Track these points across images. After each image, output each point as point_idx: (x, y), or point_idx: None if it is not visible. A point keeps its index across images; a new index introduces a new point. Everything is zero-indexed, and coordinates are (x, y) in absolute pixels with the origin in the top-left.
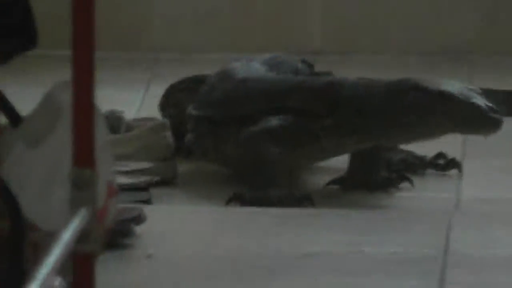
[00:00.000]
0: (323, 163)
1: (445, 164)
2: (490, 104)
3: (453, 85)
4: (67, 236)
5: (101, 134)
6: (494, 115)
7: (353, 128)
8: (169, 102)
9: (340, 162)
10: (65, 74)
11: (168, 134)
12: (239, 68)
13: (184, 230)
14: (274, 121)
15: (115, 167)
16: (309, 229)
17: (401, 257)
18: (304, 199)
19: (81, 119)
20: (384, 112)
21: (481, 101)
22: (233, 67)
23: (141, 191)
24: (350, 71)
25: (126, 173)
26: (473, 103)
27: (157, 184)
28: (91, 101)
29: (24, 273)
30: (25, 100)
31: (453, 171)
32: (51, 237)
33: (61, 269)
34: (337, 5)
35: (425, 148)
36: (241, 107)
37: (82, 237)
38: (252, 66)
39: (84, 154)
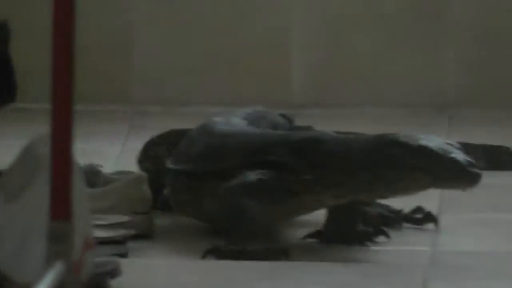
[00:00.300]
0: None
1: (421, 218)
2: (469, 159)
3: (432, 140)
4: None
5: (79, 188)
6: (473, 169)
7: (333, 183)
8: (147, 156)
9: (317, 215)
10: (44, 127)
11: (146, 187)
12: (219, 122)
13: (160, 284)
14: (253, 176)
15: (92, 220)
16: (286, 282)
17: None
18: (281, 253)
19: (59, 172)
20: (364, 167)
21: (460, 156)
22: (213, 121)
23: (118, 244)
24: (330, 125)
25: (103, 226)
26: (452, 158)
27: (134, 237)
28: (69, 154)
29: None
30: (4, 153)
31: (430, 225)
32: None
33: None
34: (317, 59)
35: (402, 202)
36: (220, 162)
37: None
38: (232, 120)
39: (61, 207)
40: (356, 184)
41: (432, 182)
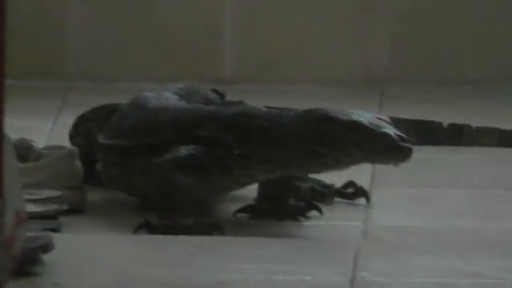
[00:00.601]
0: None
1: (353, 193)
2: (400, 133)
3: (363, 115)
4: None
5: (10, 163)
6: (405, 144)
7: (264, 158)
8: (78, 131)
9: (249, 190)
10: None
11: (77, 162)
12: (151, 97)
13: (92, 259)
14: (184, 151)
15: (24, 195)
16: (218, 257)
17: (309, 285)
18: (213, 228)
19: None
20: (295, 142)
21: (391, 131)
22: (144, 96)
23: (50, 219)
24: (262, 101)
25: (35, 201)
26: (383, 133)
27: (66, 212)
28: None
29: None
30: None
31: (361, 200)
32: None
33: None
34: (249, 34)
35: (335, 177)
36: (151, 136)
37: None
38: (164, 96)
39: None
40: (287, 159)
41: (363, 156)
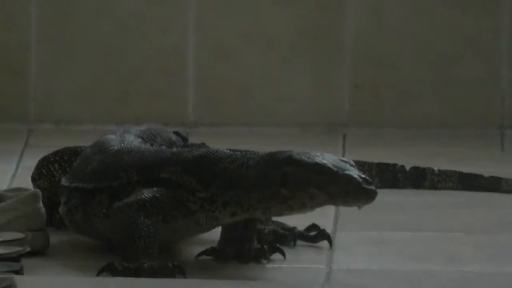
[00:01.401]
0: None
1: (315, 236)
2: (364, 176)
3: (327, 158)
4: None
5: None
6: (369, 186)
7: (228, 201)
8: (41, 173)
9: (212, 232)
10: None
11: (40, 204)
12: (113, 140)
13: None
14: (146, 193)
15: None
16: None
17: None
18: (176, 270)
19: None
20: (259, 185)
21: (355, 173)
22: (107, 138)
23: (12, 261)
24: (224, 143)
25: None
26: (347, 175)
27: (29, 254)
28: None
29: None
30: None
31: (324, 243)
32: None
33: None
34: (212, 77)
35: (298, 220)
36: (114, 179)
37: None
38: (126, 138)
39: None
40: (251, 202)
41: (327, 199)
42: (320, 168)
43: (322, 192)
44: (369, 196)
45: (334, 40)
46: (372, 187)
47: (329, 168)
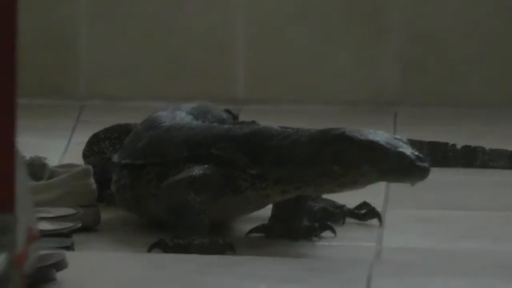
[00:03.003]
0: None
1: (364, 214)
2: (417, 153)
3: (380, 135)
4: None
5: (22, 180)
6: (421, 163)
7: (280, 178)
8: (92, 150)
9: (263, 210)
10: None
11: (92, 181)
12: (164, 117)
13: (106, 277)
14: (198, 170)
15: (38, 213)
16: (232, 277)
17: None
18: (226, 247)
19: (2, 164)
20: (310, 162)
21: (407, 150)
22: (158, 115)
23: (63, 237)
24: (273, 121)
25: (49, 219)
26: (400, 152)
27: (80, 230)
28: (11, 148)
29: None
30: None
31: (374, 221)
32: None
33: None
34: (261, 55)
35: (349, 198)
36: (165, 155)
37: (0, 282)
38: (178, 115)
39: (3, 199)
40: (303, 179)
41: (380, 176)
42: (373, 145)
43: (375, 169)
44: (422, 173)
45: (382, 17)
46: (425, 164)
47: (382, 145)
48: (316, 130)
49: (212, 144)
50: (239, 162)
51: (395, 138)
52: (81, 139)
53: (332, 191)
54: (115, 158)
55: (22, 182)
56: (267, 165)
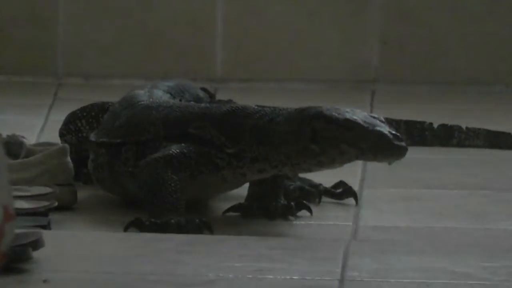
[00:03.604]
0: None
1: (341, 193)
2: (394, 132)
3: (357, 114)
4: None
5: None
6: (399, 142)
7: (256, 157)
8: (69, 129)
9: (239, 189)
10: None
11: (68, 159)
12: (142, 95)
13: (82, 256)
14: (174, 148)
15: (15, 191)
16: (208, 255)
17: (299, 284)
18: (203, 226)
19: None
20: (289, 141)
21: (385, 129)
22: (135, 94)
23: (40, 216)
24: (251, 99)
25: (25, 197)
26: (378, 131)
27: (56, 209)
28: None
29: None
30: None
31: (351, 200)
32: None
33: None
34: (240, 33)
35: (326, 177)
36: (141, 134)
37: None
38: (155, 93)
39: None
40: (280, 158)
41: (358, 155)
42: (350, 124)
43: (353, 148)
44: (400, 152)
45: None
46: (403, 143)
47: (359, 124)
48: (293, 109)
49: (189, 123)
50: (216, 141)
51: (372, 117)
52: (58, 117)
53: (310, 170)
54: (92, 136)
55: None
56: (244, 144)
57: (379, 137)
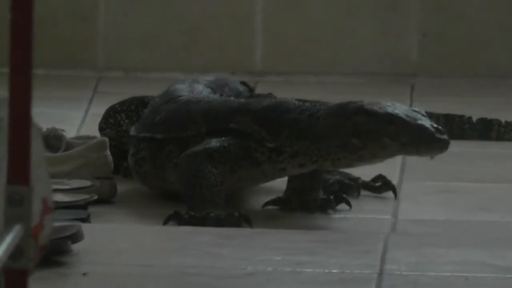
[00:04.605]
0: None
1: (379, 186)
2: (436, 125)
3: (399, 108)
4: (0, 252)
5: (37, 151)
6: (441, 136)
7: (296, 152)
8: (108, 123)
9: (278, 182)
10: (2, 91)
11: (108, 153)
12: (182, 90)
13: (122, 248)
14: (214, 142)
15: (54, 184)
16: (248, 249)
17: (337, 277)
18: (242, 219)
19: (17, 136)
20: (330, 135)
21: (427, 123)
22: (176, 88)
23: (79, 209)
24: (291, 93)
25: (65, 191)
26: (420, 125)
27: (96, 202)
28: (27, 119)
29: None
30: None
31: (390, 194)
32: None
33: None
34: (279, 27)
35: (365, 171)
36: (183, 129)
37: (15, 253)
38: (195, 88)
39: (19, 171)
40: (320, 153)
41: (400, 149)
42: (392, 118)
43: (395, 142)
44: (442, 146)
45: None
46: (445, 137)
47: (401, 118)
48: (334, 104)
49: (230, 117)
50: (257, 135)
51: (414, 111)
52: (98, 110)
53: (350, 165)
54: (133, 131)
55: (38, 153)
56: (284, 139)
57: (421, 130)
